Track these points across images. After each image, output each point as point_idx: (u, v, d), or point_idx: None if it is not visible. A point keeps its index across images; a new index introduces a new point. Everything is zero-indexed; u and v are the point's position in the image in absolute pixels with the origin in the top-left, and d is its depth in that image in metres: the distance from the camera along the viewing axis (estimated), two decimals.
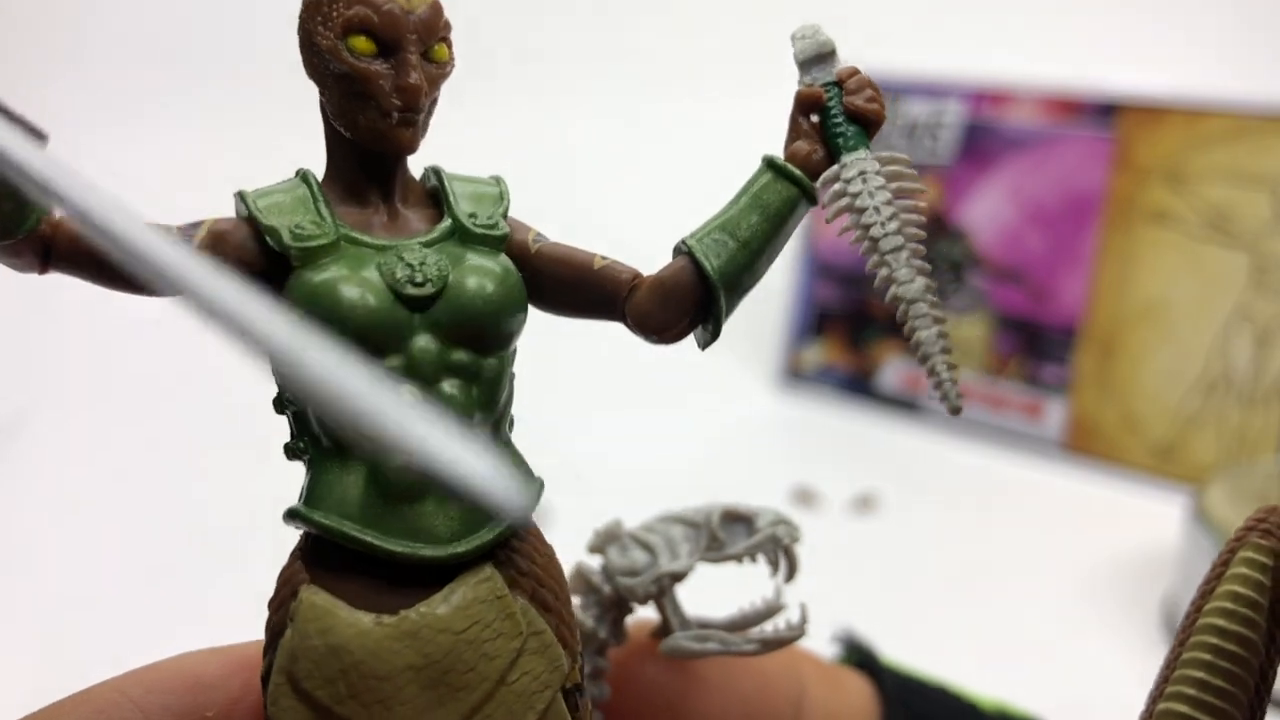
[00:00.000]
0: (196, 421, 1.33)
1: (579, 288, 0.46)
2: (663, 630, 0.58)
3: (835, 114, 0.43)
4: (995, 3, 1.72)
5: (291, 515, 0.42)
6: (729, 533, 0.59)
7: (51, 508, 1.15)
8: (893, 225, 0.41)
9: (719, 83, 1.79)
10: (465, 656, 0.41)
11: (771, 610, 0.57)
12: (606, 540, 0.58)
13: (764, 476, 1.14)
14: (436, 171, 0.46)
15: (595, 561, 0.58)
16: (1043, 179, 1.34)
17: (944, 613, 0.99)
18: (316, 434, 0.43)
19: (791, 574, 0.57)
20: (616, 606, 0.57)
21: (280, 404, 0.44)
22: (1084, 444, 1.30)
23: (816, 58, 0.44)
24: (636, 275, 0.45)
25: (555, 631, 0.43)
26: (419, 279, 0.42)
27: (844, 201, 0.42)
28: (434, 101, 0.44)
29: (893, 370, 1.45)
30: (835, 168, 0.43)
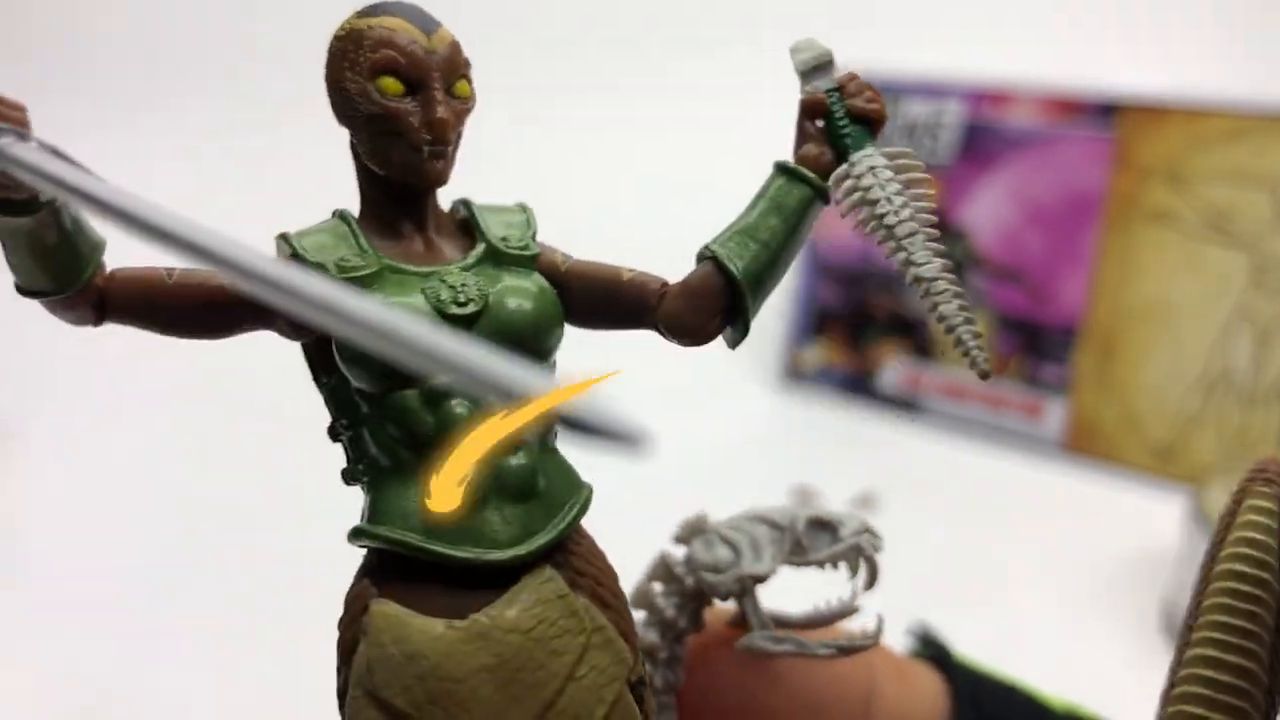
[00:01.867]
0: (196, 422, 1.33)
1: (611, 300, 0.48)
2: (739, 622, 0.60)
3: (839, 117, 0.45)
4: (995, 3, 1.72)
5: (357, 534, 0.45)
6: (813, 538, 0.59)
7: (51, 508, 1.15)
8: (906, 213, 0.43)
9: (719, 83, 1.79)
10: (535, 655, 0.43)
11: (846, 611, 0.59)
12: (692, 532, 0.60)
13: (764, 476, 1.14)
14: (466, 203, 0.49)
15: (679, 551, 0.60)
16: (1043, 179, 1.34)
17: (943, 612, 0.98)
18: (375, 456, 0.46)
19: (872, 582, 0.59)
20: (696, 598, 0.59)
21: (334, 431, 0.47)
22: (1084, 444, 1.30)
23: (816, 68, 0.46)
24: (664, 284, 0.48)
25: (616, 627, 0.46)
26: (462, 299, 0.45)
27: (857, 196, 0.44)
28: (459, 135, 0.47)
29: (893, 370, 1.45)
30: (845, 166, 0.45)
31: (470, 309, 0.44)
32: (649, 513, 1.10)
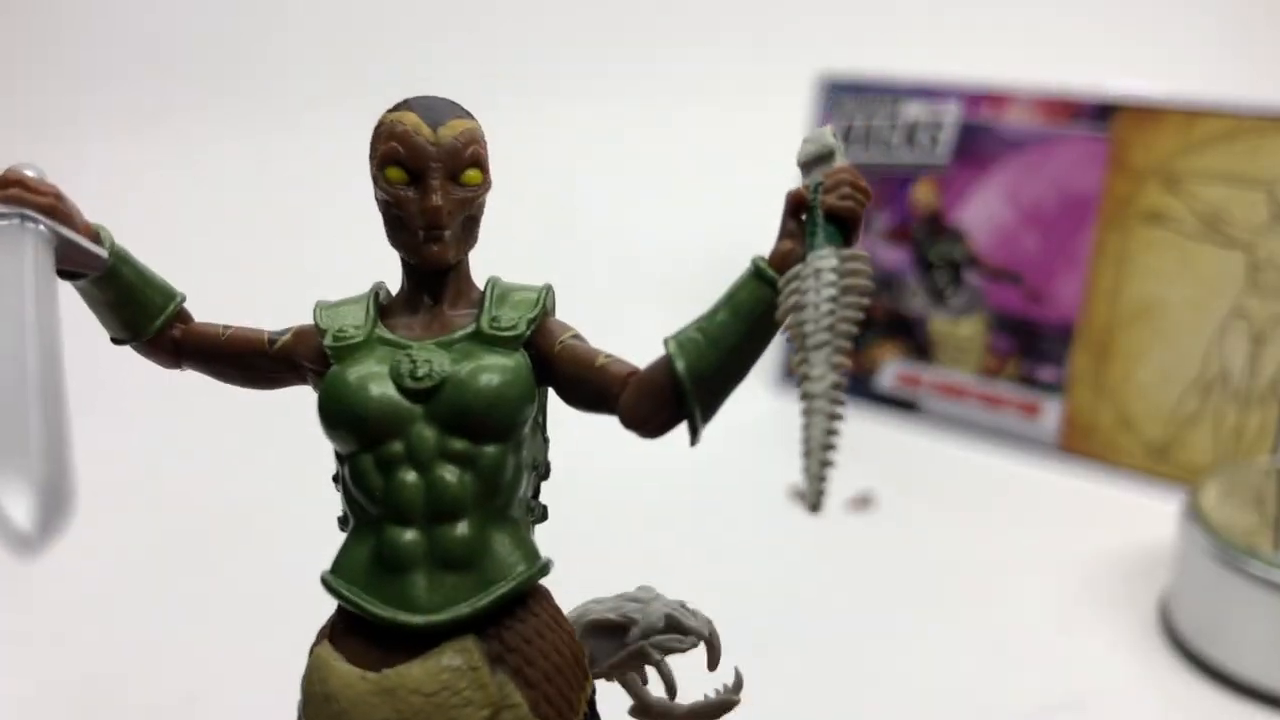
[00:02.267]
0: (197, 422, 1.33)
1: (582, 384, 0.49)
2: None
3: (817, 213, 0.43)
4: (992, 4, 1.72)
5: (322, 579, 0.48)
6: (597, 647, 0.55)
7: None
8: (825, 322, 0.40)
9: (718, 85, 1.79)
10: (433, 718, 0.45)
11: (726, 705, 0.55)
12: None
13: (762, 476, 1.14)
14: (491, 282, 0.51)
15: None
16: (1039, 180, 1.34)
17: (939, 611, 0.99)
18: (345, 510, 0.49)
19: (670, 692, 0.55)
20: None
21: (336, 478, 0.50)
22: (1080, 444, 1.30)
23: (816, 159, 0.44)
24: (633, 371, 0.48)
25: (534, 708, 0.47)
26: (419, 373, 0.47)
27: (793, 299, 0.41)
28: (471, 219, 0.49)
29: (890, 370, 1.45)
30: (797, 266, 0.42)
31: (425, 384, 0.46)
32: (649, 512, 1.11)
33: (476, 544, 0.47)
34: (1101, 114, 1.30)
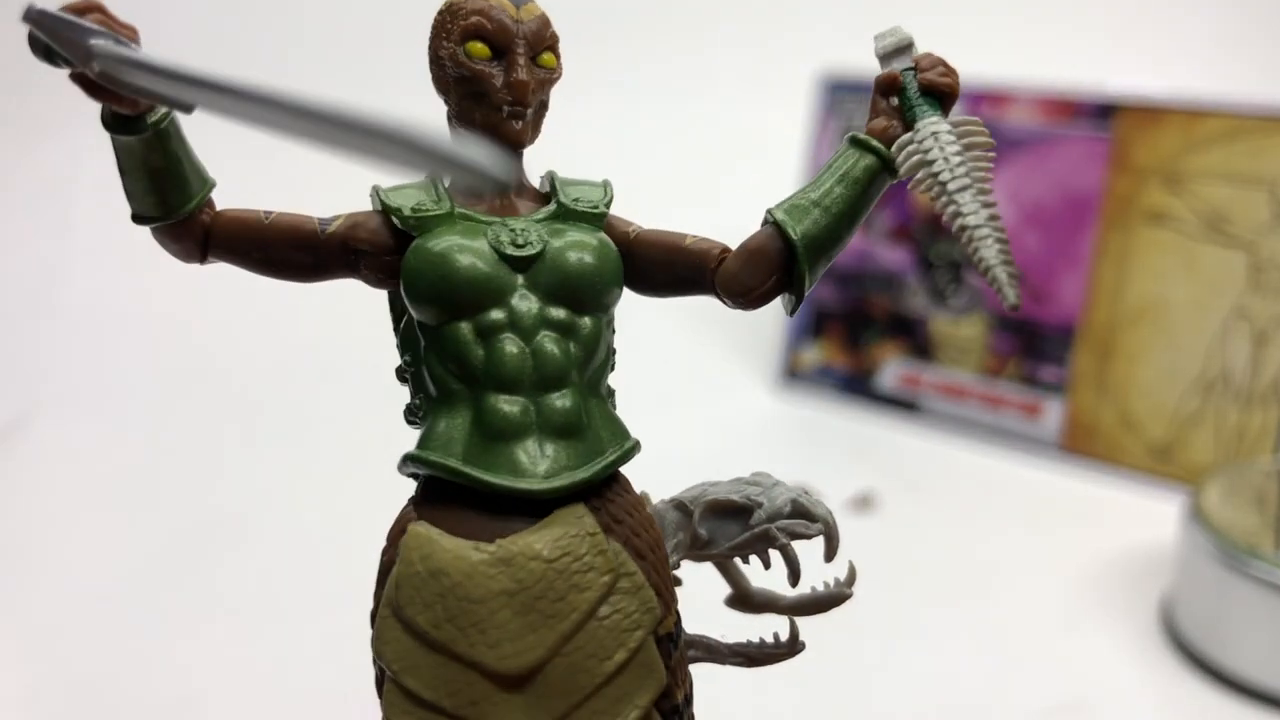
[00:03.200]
0: (198, 421, 1.33)
1: (671, 264, 0.50)
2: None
3: (911, 91, 0.47)
4: (994, 4, 1.72)
5: (406, 459, 0.47)
6: (716, 528, 0.53)
7: (52, 509, 1.15)
8: (961, 170, 0.43)
9: (718, 83, 1.79)
10: (556, 585, 0.44)
11: (839, 598, 0.54)
12: None
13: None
14: (551, 175, 0.52)
15: None
16: (1041, 179, 1.34)
17: (942, 612, 0.99)
18: (429, 389, 0.48)
19: (794, 577, 0.54)
20: None
21: (401, 373, 0.50)
22: (1082, 444, 1.30)
23: (896, 50, 0.48)
24: (725, 249, 0.49)
25: (648, 578, 0.46)
26: (520, 241, 0.47)
27: (917, 158, 0.45)
28: (543, 104, 0.50)
29: (892, 370, 1.45)
30: (909, 133, 0.46)
31: (527, 251, 0.47)
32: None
33: (581, 414, 0.47)
34: (1103, 113, 1.29)
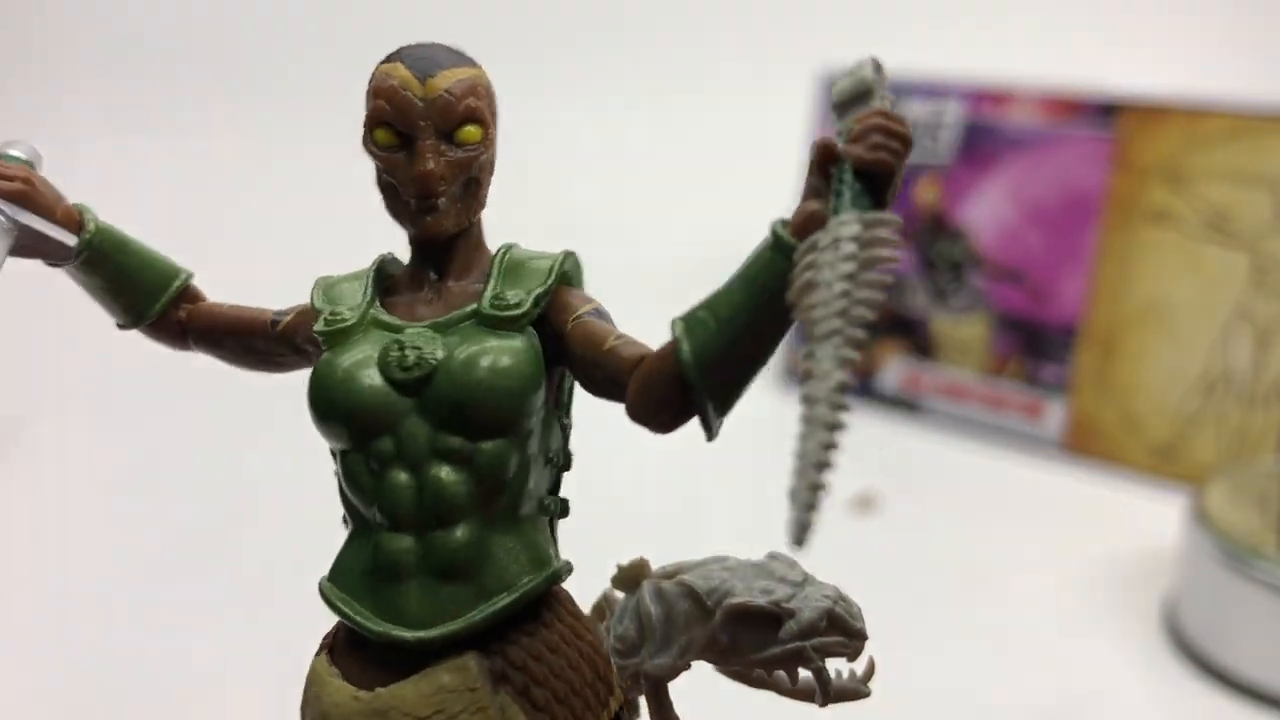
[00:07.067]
0: (199, 421, 1.33)
1: (592, 368, 0.43)
2: None
3: (843, 168, 0.35)
4: (995, 3, 1.72)
5: (320, 586, 0.45)
6: (739, 633, 0.45)
7: (52, 510, 1.15)
8: (838, 306, 0.33)
9: (718, 84, 1.79)
10: None
11: (855, 694, 0.47)
12: (625, 582, 0.50)
13: (763, 477, 1.14)
14: (503, 251, 0.45)
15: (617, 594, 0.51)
16: (1042, 179, 1.34)
17: (943, 612, 0.99)
18: (344, 512, 0.45)
19: (825, 700, 0.46)
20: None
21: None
22: (1084, 444, 1.30)
23: (853, 99, 0.36)
24: (643, 357, 0.41)
25: None
26: (408, 363, 0.42)
27: (805, 276, 0.34)
28: (472, 181, 0.44)
29: (893, 370, 1.45)
30: (816, 234, 0.34)
31: (414, 374, 0.41)
32: (649, 512, 1.10)
33: (476, 551, 0.42)
34: (1105, 113, 1.29)
